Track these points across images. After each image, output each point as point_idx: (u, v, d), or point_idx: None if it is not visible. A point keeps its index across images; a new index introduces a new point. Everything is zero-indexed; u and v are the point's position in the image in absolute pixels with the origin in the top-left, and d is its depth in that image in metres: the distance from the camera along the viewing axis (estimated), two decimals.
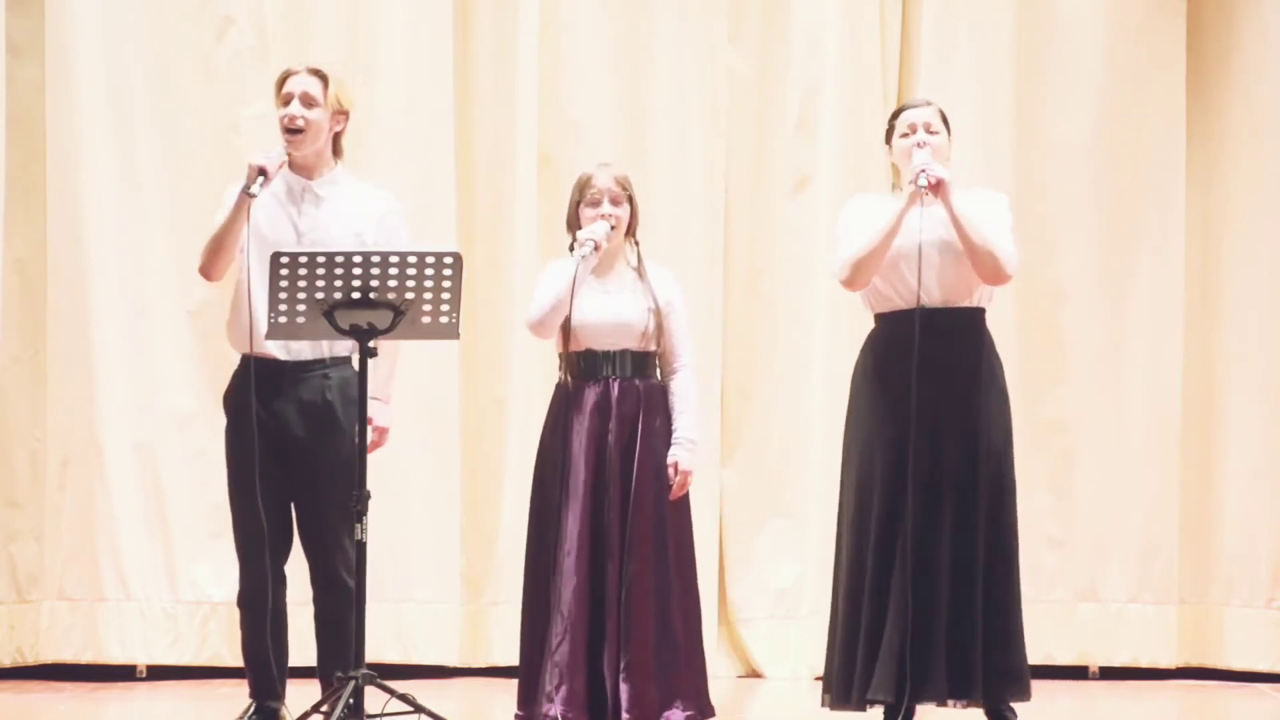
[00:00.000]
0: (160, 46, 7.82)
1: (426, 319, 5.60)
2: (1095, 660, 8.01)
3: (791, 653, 7.98)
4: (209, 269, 5.92)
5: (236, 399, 5.98)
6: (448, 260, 5.57)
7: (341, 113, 5.99)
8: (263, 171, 5.78)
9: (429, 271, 5.55)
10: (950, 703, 5.82)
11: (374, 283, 5.53)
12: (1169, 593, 8.04)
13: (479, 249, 7.91)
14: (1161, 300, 8.07)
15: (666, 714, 5.82)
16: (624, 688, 5.76)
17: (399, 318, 5.57)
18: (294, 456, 5.89)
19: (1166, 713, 7.58)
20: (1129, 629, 8.00)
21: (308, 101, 5.92)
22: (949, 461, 5.81)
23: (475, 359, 7.94)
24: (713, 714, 5.98)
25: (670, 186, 7.92)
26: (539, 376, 7.88)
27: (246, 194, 5.77)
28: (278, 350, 5.88)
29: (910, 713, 5.84)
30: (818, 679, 7.74)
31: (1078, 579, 8.05)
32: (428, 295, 5.57)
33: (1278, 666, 7.95)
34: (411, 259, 5.55)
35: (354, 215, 5.97)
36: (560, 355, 6.00)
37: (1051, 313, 8.04)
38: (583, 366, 5.93)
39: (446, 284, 5.56)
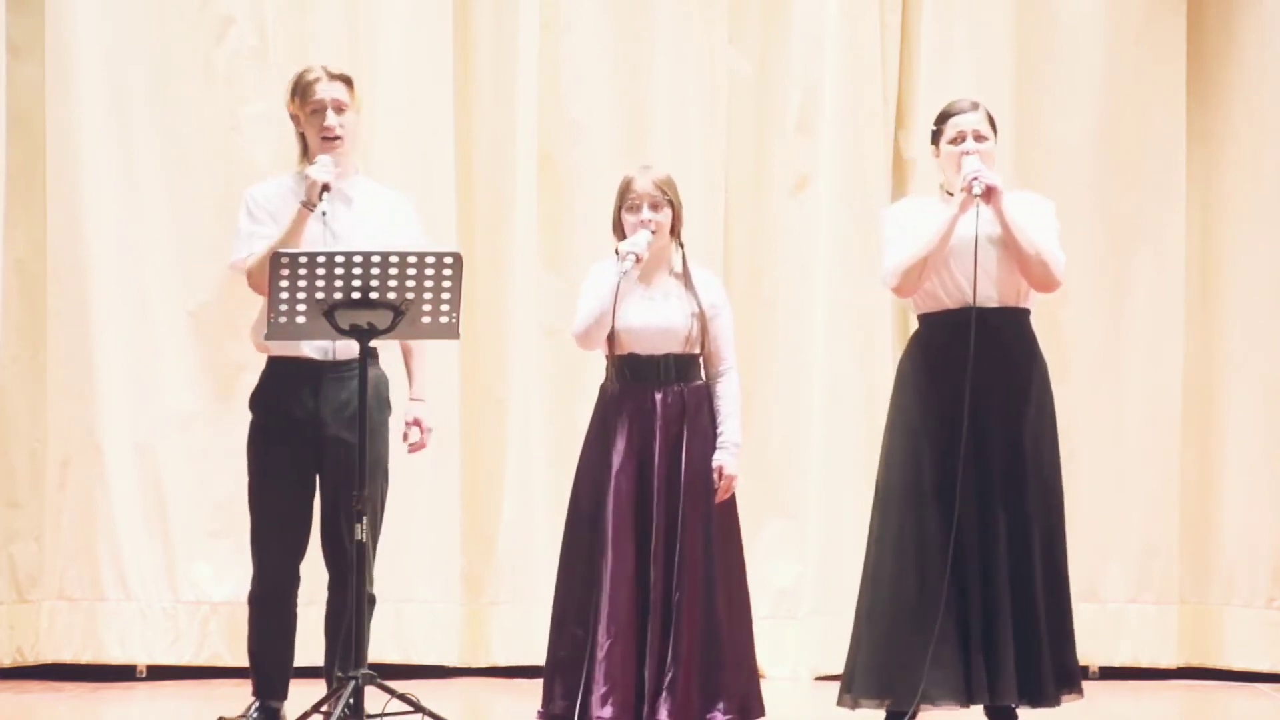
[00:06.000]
0: (160, 46, 7.81)
1: (426, 319, 5.60)
2: (1095, 660, 7.98)
3: (791, 653, 7.97)
4: (264, 284, 5.88)
5: (265, 398, 5.97)
6: (448, 260, 5.58)
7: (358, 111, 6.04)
8: (326, 187, 5.78)
9: (429, 271, 5.55)
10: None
11: (374, 283, 5.53)
12: (1169, 593, 8.04)
13: (479, 249, 7.91)
14: (1161, 300, 8.07)
15: (709, 716, 5.81)
16: (666, 690, 5.74)
17: (399, 318, 5.57)
18: (327, 457, 5.88)
19: (1166, 713, 7.58)
20: (1129, 629, 8.00)
21: (340, 108, 5.93)
22: (999, 462, 5.83)
23: (475, 359, 7.93)
24: (759, 715, 5.94)
25: None
26: (539, 376, 7.89)
27: (308, 208, 5.77)
28: (312, 350, 5.88)
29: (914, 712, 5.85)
30: (819, 679, 7.81)
31: (1078, 579, 7.93)
32: (428, 295, 5.57)
33: (1278, 666, 7.95)
34: (411, 259, 5.56)
35: (380, 215, 5.99)
36: (606, 359, 5.98)
37: (1051, 313, 8.01)
38: (628, 372, 5.92)
39: (446, 284, 5.57)
